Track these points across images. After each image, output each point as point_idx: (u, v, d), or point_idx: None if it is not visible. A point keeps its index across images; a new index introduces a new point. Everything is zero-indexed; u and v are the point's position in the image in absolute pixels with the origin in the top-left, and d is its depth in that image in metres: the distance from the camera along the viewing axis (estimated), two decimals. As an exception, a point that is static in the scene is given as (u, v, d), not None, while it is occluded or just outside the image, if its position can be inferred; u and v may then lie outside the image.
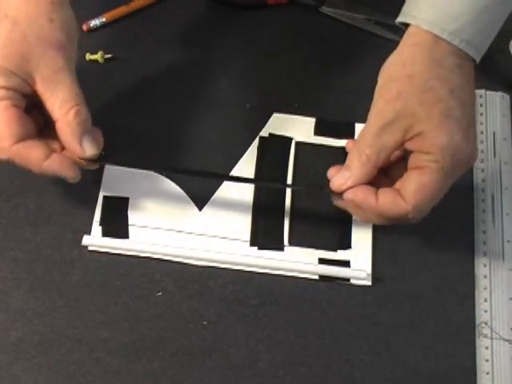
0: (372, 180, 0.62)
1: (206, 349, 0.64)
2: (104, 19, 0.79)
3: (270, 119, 0.75)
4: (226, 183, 0.71)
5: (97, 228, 0.68)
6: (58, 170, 0.61)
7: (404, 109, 0.59)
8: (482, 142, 0.75)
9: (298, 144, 0.74)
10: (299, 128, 0.75)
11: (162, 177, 0.71)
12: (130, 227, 0.68)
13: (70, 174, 0.62)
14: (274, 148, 0.74)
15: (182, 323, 0.65)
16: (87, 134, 0.62)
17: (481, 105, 0.77)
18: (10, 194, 0.69)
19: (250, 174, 0.72)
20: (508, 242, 0.70)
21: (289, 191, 0.71)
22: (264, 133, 0.74)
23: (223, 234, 0.69)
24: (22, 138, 0.60)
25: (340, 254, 0.68)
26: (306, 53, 0.80)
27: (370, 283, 0.67)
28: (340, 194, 0.62)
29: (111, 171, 0.70)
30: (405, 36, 0.62)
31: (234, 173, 0.72)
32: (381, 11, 0.82)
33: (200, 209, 0.70)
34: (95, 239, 0.67)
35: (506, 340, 0.66)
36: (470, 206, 0.72)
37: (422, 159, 0.59)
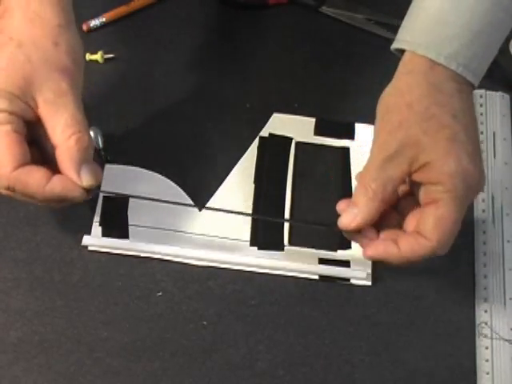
0: (382, 216, 0.60)
1: (205, 349, 0.64)
2: (104, 19, 0.79)
3: (270, 119, 0.75)
4: (226, 183, 0.71)
5: (97, 228, 0.68)
6: (61, 192, 0.59)
7: (407, 138, 0.57)
8: (482, 141, 0.75)
9: (298, 144, 0.74)
10: (299, 128, 0.75)
11: (162, 177, 0.71)
12: (129, 227, 0.68)
13: (75, 194, 0.60)
14: (274, 148, 0.74)
15: (182, 323, 0.65)
16: (87, 163, 0.60)
17: (481, 105, 0.77)
18: (10, 194, 0.69)
19: (250, 174, 0.72)
20: (508, 242, 0.70)
21: (289, 191, 0.71)
22: (264, 133, 0.74)
23: (223, 234, 0.69)
24: (22, 164, 0.58)
25: (340, 254, 0.68)
26: (306, 53, 0.80)
27: (369, 283, 0.67)
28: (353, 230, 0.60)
29: (111, 171, 0.70)
30: (400, 64, 0.61)
31: (234, 173, 0.72)
32: (381, 11, 0.82)
33: (200, 209, 0.70)
34: (95, 239, 0.67)
35: (506, 340, 0.66)
36: (469, 206, 0.72)
37: (434, 191, 0.58)
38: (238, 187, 0.71)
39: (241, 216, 0.69)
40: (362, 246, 0.60)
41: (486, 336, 0.66)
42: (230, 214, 0.69)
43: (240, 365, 0.64)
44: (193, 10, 0.81)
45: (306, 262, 0.67)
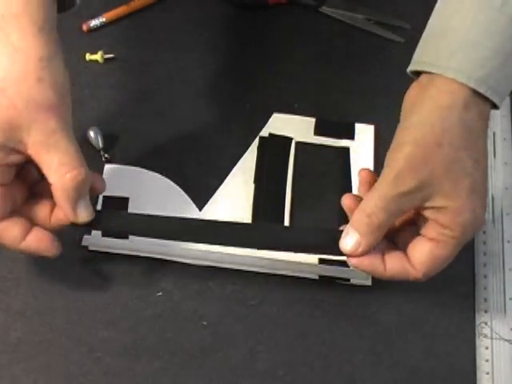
0: None
1: (205, 349, 0.64)
2: (104, 19, 0.79)
3: (270, 119, 0.75)
4: (226, 183, 0.71)
5: (97, 228, 0.68)
6: (35, 251, 0.60)
7: (429, 178, 0.56)
8: (482, 142, 0.75)
9: (297, 144, 0.74)
10: (299, 128, 0.75)
11: (162, 177, 0.71)
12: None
13: (49, 253, 0.60)
14: (274, 148, 0.74)
15: (182, 323, 0.65)
16: (83, 199, 0.59)
17: (481, 105, 0.77)
18: (10, 194, 0.69)
19: (250, 174, 0.72)
20: (508, 242, 0.70)
21: (289, 191, 0.71)
22: (264, 133, 0.74)
23: (223, 233, 0.69)
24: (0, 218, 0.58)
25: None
26: (306, 53, 0.80)
27: (370, 283, 0.67)
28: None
29: (111, 171, 0.70)
30: (432, 92, 0.57)
31: (234, 173, 0.72)
32: (381, 11, 0.83)
33: (200, 209, 0.70)
34: (95, 239, 0.67)
35: (506, 340, 0.66)
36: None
37: (440, 233, 0.57)
38: (237, 187, 0.71)
39: (241, 215, 0.69)
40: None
41: (486, 336, 0.66)
42: (229, 214, 0.69)
43: (240, 365, 0.64)
44: (193, 10, 0.81)
45: (305, 262, 0.67)
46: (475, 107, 0.56)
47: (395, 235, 0.61)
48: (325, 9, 0.83)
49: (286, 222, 0.70)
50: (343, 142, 0.74)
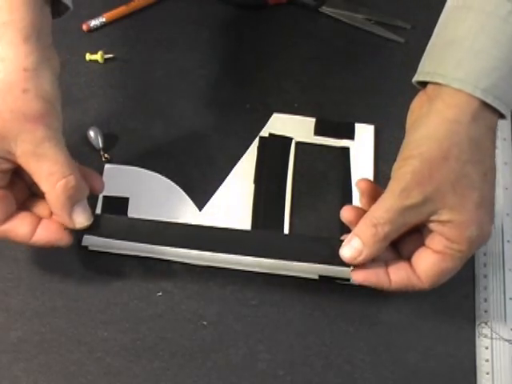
0: None
1: (205, 349, 0.64)
2: (104, 19, 0.79)
3: (270, 119, 0.75)
4: (226, 183, 0.71)
5: (97, 228, 0.68)
6: (47, 242, 0.60)
7: (436, 193, 0.55)
8: (482, 142, 0.75)
9: (297, 144, 0.74)
10: (299, 128, 0.75)
11: (162, 177, 0.71)
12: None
13: (62, 242, 0.60)
14: (274, 148, 0.74)
15: (182, 323, 0.65)
16: (79, 204, 0.59)
17: (481, 105, 0.77)
18: (10, 194, 0.69)
19: (250, 174, 0.72)
20: (508, 241, 0.70)
21: (289, 191, 0.71)
22: (264, 133, 0.74)
23: (223, 233, 0.69)
24: (4, 220, 0.58)
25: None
26: (306, 53, 0.80)
27: (370, 283, 0.67)
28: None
29: (111, 171, 0.70)
30: (438, 104, 0.56)
31: (234, 173, 0.72)
32: (381, 11, 0.83)
33: (200, 209, 0.70)
34: (95, 239, 0.67)
35: (506, 340, 0.66)
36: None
37: (446, 246, 0.57)
38: (237, 187, 0.71)
39: (241, 216, 0.69)
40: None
41: (486, 336, 0.66)
42: (229, 214, 0.69)
43: (240, 365, 0.64)
44: (193, 10, 0.81)
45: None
46: (483, 119, 0.56)
47: (399, 241, 0.60)
48: (325, 9, 0.83)
49: (286, 222, 0.70)
50: (343, 142, 0.74)
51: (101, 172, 0.70)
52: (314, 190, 0.72)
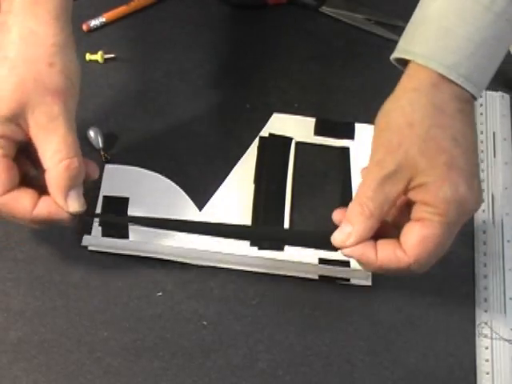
0: (376, 231, 0.59)
1: (205, 349, 0.64)
2: (104, 19, 0.79)
3: (270, 119, 0.75)
4: (226, 183, 0.71)
5: (97, 228, 0.68)
6: (48, 216, 0.60)
7: (405, 159, 0.56)
8: (481, 141, 0.75)
9: (297, 144, 0.74)
10: (299, 128, 0.75)
11: (162, 177, 0.71)
12: (129, 227, 0.68)
13: (62, 217, 0.60)
14: (274, 148, 0.74)
15: (182, 323, 0.65)
16: (75, 189, 0.59)
17: (481, 105, 0.77)
18: (10, 194, 0.69)
19: (250, 174, 0.72)
20: (508, 241, 0.70)
21: (289, 191, 0.71)
22: (264, 133, 0.74)
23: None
24: (9, 190, 0.58)
25: (340, 254, 0.68)
26: (306, 52, 0.80)
27: (370, 283, 0.67)
28: None
29: (111, 171, 0.70)
30: (403, 77, 0.59)
31: (234, 173, 0.72)
32: (381, 11, 0.83)
33: (200, 209, 0.70)
34: (95, 239, 0.67)
35: (506, 340, 0.66)
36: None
37: (425, 211, 0.57)
38: (237, 187, 0.71)
39: (241, 216, 0.69)
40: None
41: (486, 336, 0.66)
42: (229, 214, 0.69)
43: (240, 365, 0.64)
44: (193, 9, 0.81)
45: (305, 262, 0.67)
46: (446, 88, 0.57)
47: (400, 230, 0.59)
48: (325, 9, 0.83)
49: (286, 222, 0.70)
50: (343, 142, 0.74)
51: (101, 172, 0.70)
52: (313, 190, 0.72)
